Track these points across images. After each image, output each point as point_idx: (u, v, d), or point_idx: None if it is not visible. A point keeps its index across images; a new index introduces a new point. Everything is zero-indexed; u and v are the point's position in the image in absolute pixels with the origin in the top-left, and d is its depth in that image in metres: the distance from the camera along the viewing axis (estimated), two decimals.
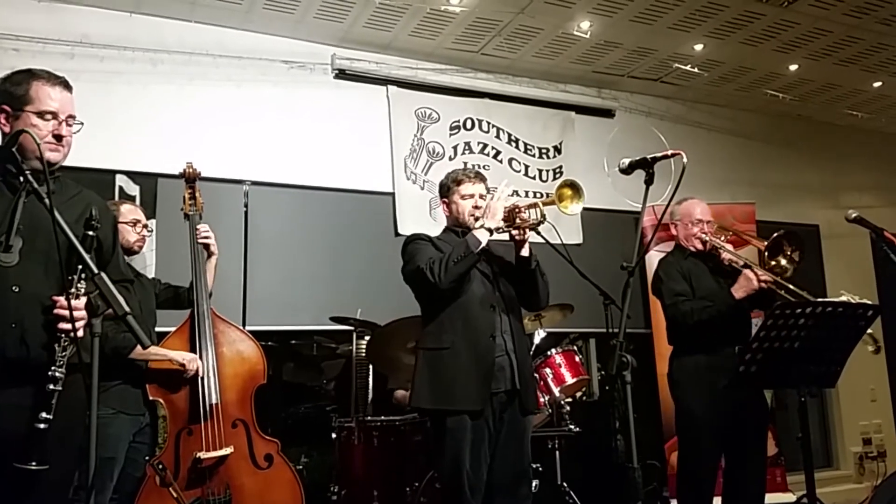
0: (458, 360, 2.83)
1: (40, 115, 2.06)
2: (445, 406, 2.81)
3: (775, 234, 3.39)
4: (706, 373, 3.33)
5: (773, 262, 3.41)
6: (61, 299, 1.92)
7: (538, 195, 5.11)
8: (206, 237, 3.34)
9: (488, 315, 2.89)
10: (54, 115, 2.08)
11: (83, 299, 1.95)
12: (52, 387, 1.88)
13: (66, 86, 2.14)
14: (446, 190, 3.13)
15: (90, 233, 2.02)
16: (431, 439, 3.07)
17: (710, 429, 3.34)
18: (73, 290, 1.92)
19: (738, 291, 3.37)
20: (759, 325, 2.66)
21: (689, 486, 3.45)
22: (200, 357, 3.10)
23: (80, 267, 1.95)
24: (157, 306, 3.38)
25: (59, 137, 2.09)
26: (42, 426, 1.87)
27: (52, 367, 1.89)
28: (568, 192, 2.85)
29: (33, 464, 1.86)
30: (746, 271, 3.39)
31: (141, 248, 3.33)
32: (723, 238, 3.61)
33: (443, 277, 2.79)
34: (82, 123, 2.14)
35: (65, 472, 2.02)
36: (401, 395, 4.30)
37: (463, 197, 3.05)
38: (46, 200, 1.91)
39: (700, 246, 3.60)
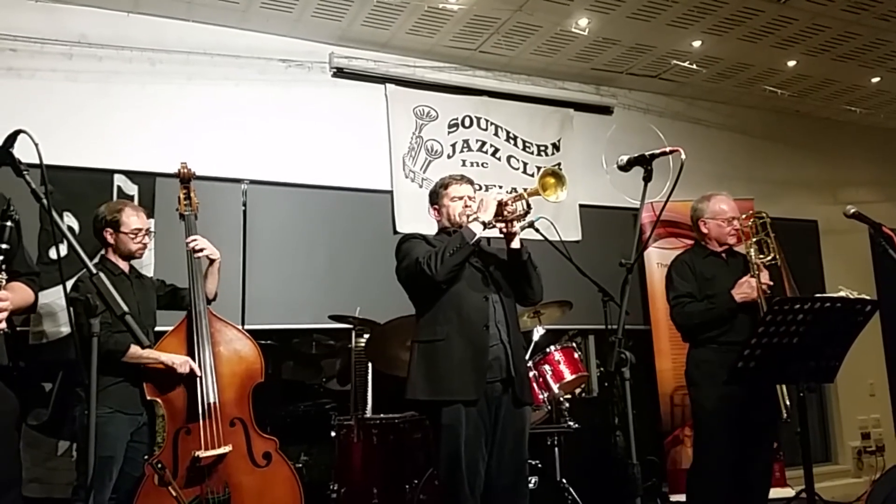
0: (452, 351, 2.86)
1: None
2: (442, 396, 2.84)
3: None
4: (719, 369, 3.34)
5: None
6: None
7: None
8: (200, 249, 3.30)
9: (481, 305, 2.93)
10: None
11: (6, 291, 1.92)
12: None
13: None
14: (435, 196, 3.19)
15: (8, 223, 1.99)
16: (431, 436, 3.09)
17: (724, 425, 3.35)
18: None
19: (738, 296, 3.40)
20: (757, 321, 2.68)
21: (702, 481, 3.45)
22: (197, 356, 3.11)
23: (0, 258, 1.92)
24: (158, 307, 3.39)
25: None
26: None
27: None
28: (551, 180, 2.89)
29: None
30: (751, 280, 3.42)
31: (142, 254, 3.33)
32: (754, 238, 3.60)
33: (439, 269, 2.82)
34: None
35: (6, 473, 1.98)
36: None
37: (452, 199, 3.11)
38: (44, 200, 1.91)
39: (733, 241, 3.61)
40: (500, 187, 4.30)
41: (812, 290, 3.52)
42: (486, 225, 2.90)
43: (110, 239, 3.23)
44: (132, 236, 3.23)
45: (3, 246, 1.94)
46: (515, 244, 2.99)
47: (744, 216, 3.68)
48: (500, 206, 2.92)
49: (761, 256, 3.55)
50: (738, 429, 3.37)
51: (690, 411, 3.65)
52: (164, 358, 3.07)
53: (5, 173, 2.05)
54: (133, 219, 3.26)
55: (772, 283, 3.49)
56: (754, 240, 3.60)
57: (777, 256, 3.56)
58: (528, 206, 2.92)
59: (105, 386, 2.93)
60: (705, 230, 3.64)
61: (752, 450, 3.42)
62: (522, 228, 3.00)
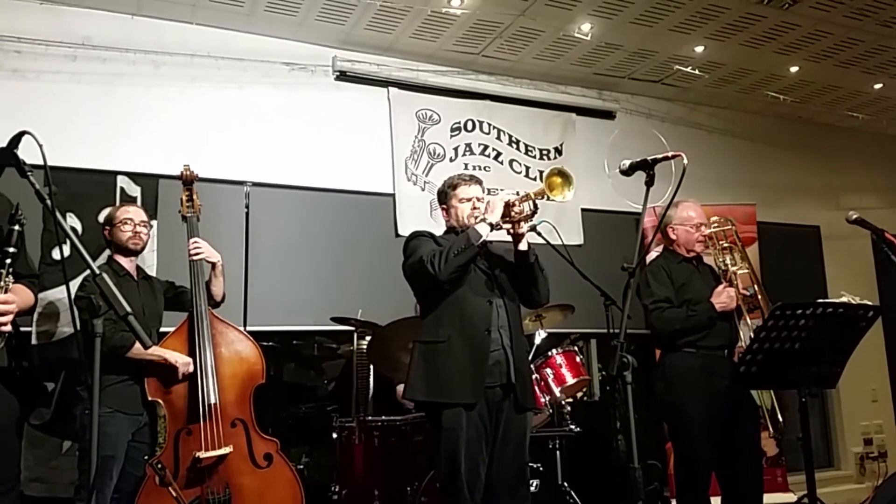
0: (453, 354, 2.86)
1: None
2: (439, 398, 2.83)
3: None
4: (700, 375, 3.33)
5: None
6: None
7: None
8: (198, 252, 3.32)
9: (485, 310, 2.92)
10: None
11: (11, 294, 1.94)
12: None
13: None
14: (444, 196, 3.15)
15: (16, 227, 2.01)
16: (431, 438, 3.09)
17: (706, 431, 3.33)
18: (1, 283, 1.91)
19: (718, 305, 3.40)
20: (758, 326, 2.67)
21: (688, 489, 3.44)
22: (198, 357, 3.12)
23: (7, 262, 1.93)
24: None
25: None
26: None
27: None
28: (558, 180, 2.85)
29: None
30: (729, 289, 3.42)
31: (137, 245, 3.31)
32: (722, 243, 3.61)
33: (442, 268, 2.81)
34: None
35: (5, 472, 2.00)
36: (402, 389, 4.32)
37: (461, 200, 3.07)
38: (48, 201, 1.92)
39: (701, 249, 3.61)
40: (502, 190, 4.31)
41: (814, 295, 3.53)
42: (493, 226, 2.88)
43: (108, 236, 3.28)
44: (121, 225, 3.25)
45: (11, 249, 1.96)
46: (523, 246, 2.96)
47: (712, 221, 3.68)
48: (507, 206, 2.90)
49: (733, 265, 3.55)
50: (723, 435, 3.34)
51: (668, 419, 3.58)
52: (168, 355, 3.08)
53: (10, 174, 2.06)
54: (127, 214, 3.29)
55: (748, 292, 3.48)
56: (721, 245, 3.60)
57: (749, 266, 3.57)
58: (535, 206, 2.89)
59: (105, 385, 2.94)
60: (674, 236, 3.64)
61: (740, 456, 3.38)
62: (530, 230, 2.98)
